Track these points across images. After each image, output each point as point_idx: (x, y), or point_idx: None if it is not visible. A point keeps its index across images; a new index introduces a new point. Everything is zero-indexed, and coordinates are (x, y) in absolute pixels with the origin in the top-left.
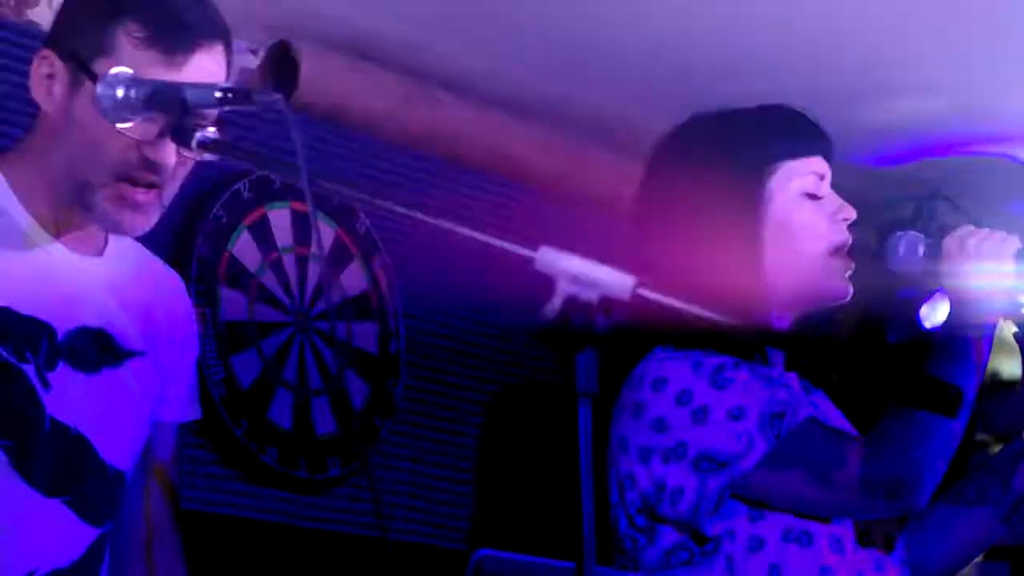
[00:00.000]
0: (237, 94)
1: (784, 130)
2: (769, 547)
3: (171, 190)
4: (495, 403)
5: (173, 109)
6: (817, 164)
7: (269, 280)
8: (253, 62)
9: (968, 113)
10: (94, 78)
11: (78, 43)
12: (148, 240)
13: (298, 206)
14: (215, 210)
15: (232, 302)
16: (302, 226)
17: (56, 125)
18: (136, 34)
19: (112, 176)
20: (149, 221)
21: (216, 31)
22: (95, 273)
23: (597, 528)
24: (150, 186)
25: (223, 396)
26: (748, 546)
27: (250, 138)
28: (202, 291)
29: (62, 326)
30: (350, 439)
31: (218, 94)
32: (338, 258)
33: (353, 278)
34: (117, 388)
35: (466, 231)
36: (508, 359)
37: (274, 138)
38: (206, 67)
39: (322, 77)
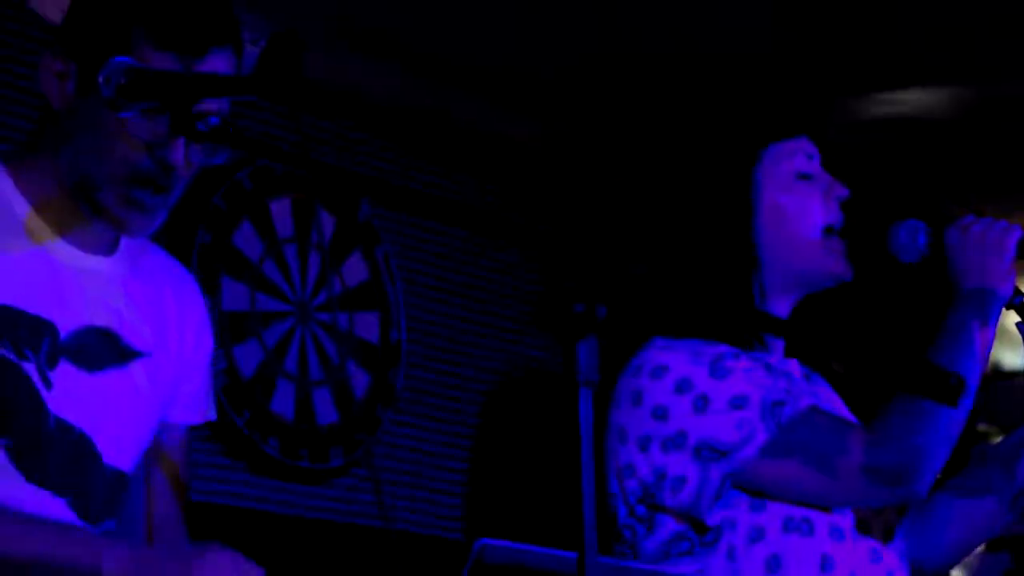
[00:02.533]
0: (239, 83)
1: (769, 114)
2: (770, 537)
3: (176, 194)
4: (496, 392)
5: (175, 98)
6: (804, 144)
7: (271, 270)
8: (254, 51)
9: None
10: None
11: (91, 43)
12: None
13: (299, 196)
14: (216, 200)
15: (234, 292)
16: (304, 216)
17: (65, 124)
18: (150, 36)
19: (120, 177)
20: (154, 223)
21: (228, 34)
22: (104, 272)
23: (597, 517)
24: (158, 189)
25: (225, 386)
26: (749, 536)
27: (252, 128)
28: (203, 281)
29: (66, 325)
30: (352, 429)
31: (220, 83)
32: (339, 248)
33: (354, 268)
34: (122, 388)
35: (467, 221)
36: (509, 348)
37: (276, 128)
38: (219, 67)
39: (326, 67)
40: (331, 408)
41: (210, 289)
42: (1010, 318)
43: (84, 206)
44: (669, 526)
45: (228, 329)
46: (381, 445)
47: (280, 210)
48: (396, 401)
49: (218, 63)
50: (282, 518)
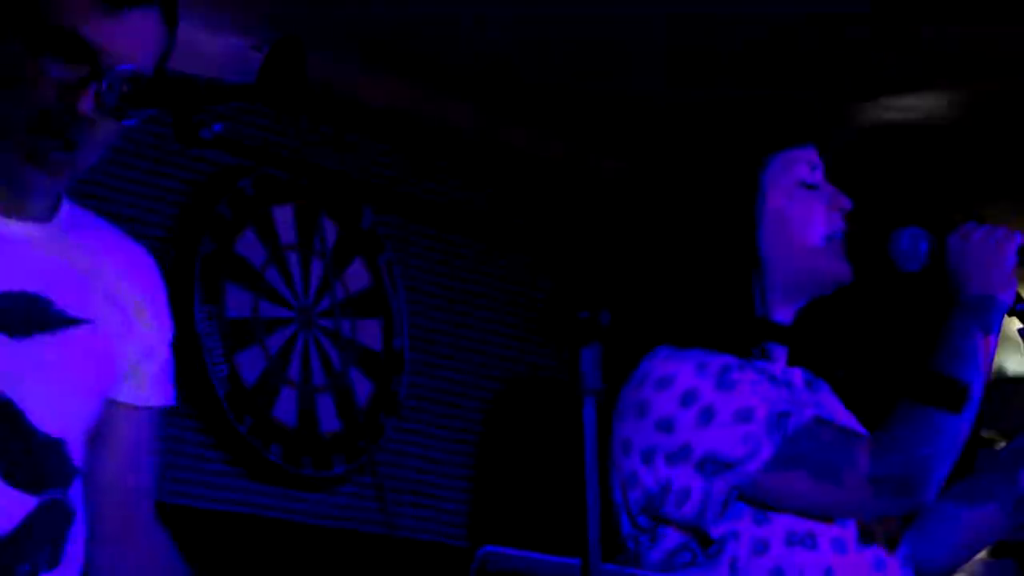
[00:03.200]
0: (243, 90)
1: (776, 122)
2: (773, 549)
3: (89, 153)
4: (499, 399)
5: (177, 104)
6: (810, 154)
7: (273, 277)
8: (258, 59)
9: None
10: (27, 15)
11: None
12: (152, 235)
13: (302, 203)
14: (220, 207)
15: (237, 299)
16: (307, 223)
17: None
18: None
19: (26, 124)
20: (59, 182)
21: None
22: (36, 238)
23: (601, 526)
24: (65, 142)
25: (227, 393)
26: (752, 548)
27: (255, 134)
28: (207, 288)
29: None
30: (355, 436)
31: (224, 89)
32: (342, 255)
33: (357, 275)
34: (52, 353)
35: (469, 228)
36: (512, 355)
37: (279, 135)
38: (140, 27)
39: (327, 74)
40: (334, 415)
41: (213, 296)
42: (1012, 324)
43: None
44: (672, 537)
45: (231, 336)
46: (384, 452)
47: (283, 217)
48: (399, 408)
49: (142, 22)
50: (285, 525)
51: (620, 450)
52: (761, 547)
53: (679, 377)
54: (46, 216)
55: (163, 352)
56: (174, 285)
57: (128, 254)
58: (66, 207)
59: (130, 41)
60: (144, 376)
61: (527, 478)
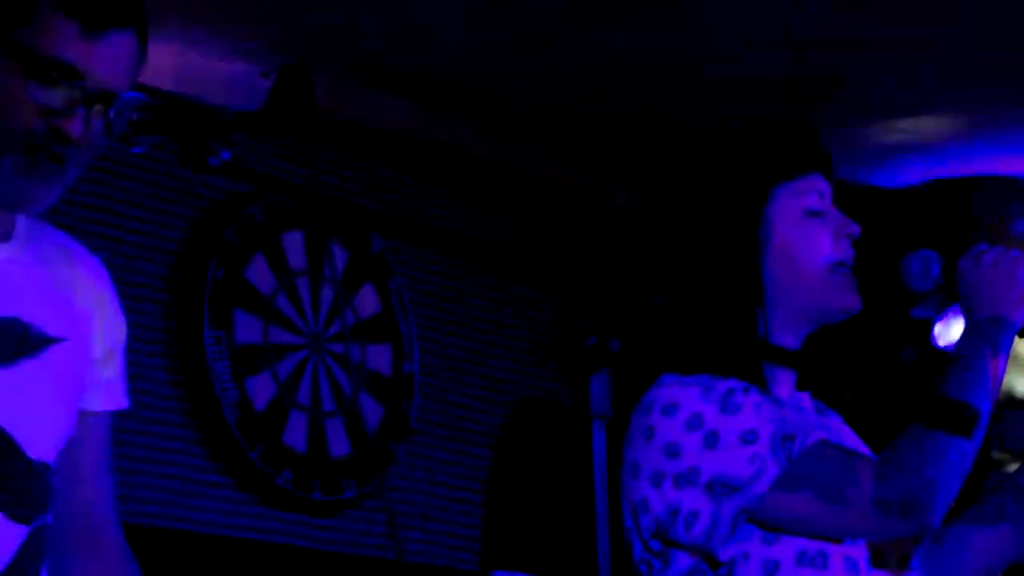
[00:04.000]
0: (251, 117)
1: (781, 151)
2: (784, 570)
3: (72, 171)
4: (509, 425)
5: (185, 132)
6: (817, 181)
7: (283, 303)
8: (266, 85)
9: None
10: (10, 41)
11: None
12: (161, 261)
13: (312, 229)
14: (228, 234)
15: (246, 325)
16: (316, 249)
17: None
18: (57, 4)
19: (17, 145)
20: (53, 195)
21: (130, 17)
22: (2, 260)
23: (612, 550)
24: (53, 157)
25: (238, 419)
26: (763, 569)
27: (264, 161)
28: (216, 315)
29: None
30: (365, 461)
31: (232, 116)
32: (351, 280)
33: (366, 300)
34: (37, 378)
35: (478, 254)
36: (521, 380)
37: (287, 161)
38: (116, 50)
39: (335, 100)
40: (344, 440)
41: (223, 322)
42: (1022, 346)
43: None
44: (683, 561)
45: (241, 362)
46: (394, 477)
47: (292, 243)
48: (409, 433)
49: (121, 45)
50: (294, 550)
51: (630, 475)
52: (772, 568)
53: (684, 402)
54: (6, 235)
55: (119, 356)
56: (183, 311)
57: (80, 260)
58: (20, 222)
59: (112, 63)
60: (103, 382)
61: (537, 502)
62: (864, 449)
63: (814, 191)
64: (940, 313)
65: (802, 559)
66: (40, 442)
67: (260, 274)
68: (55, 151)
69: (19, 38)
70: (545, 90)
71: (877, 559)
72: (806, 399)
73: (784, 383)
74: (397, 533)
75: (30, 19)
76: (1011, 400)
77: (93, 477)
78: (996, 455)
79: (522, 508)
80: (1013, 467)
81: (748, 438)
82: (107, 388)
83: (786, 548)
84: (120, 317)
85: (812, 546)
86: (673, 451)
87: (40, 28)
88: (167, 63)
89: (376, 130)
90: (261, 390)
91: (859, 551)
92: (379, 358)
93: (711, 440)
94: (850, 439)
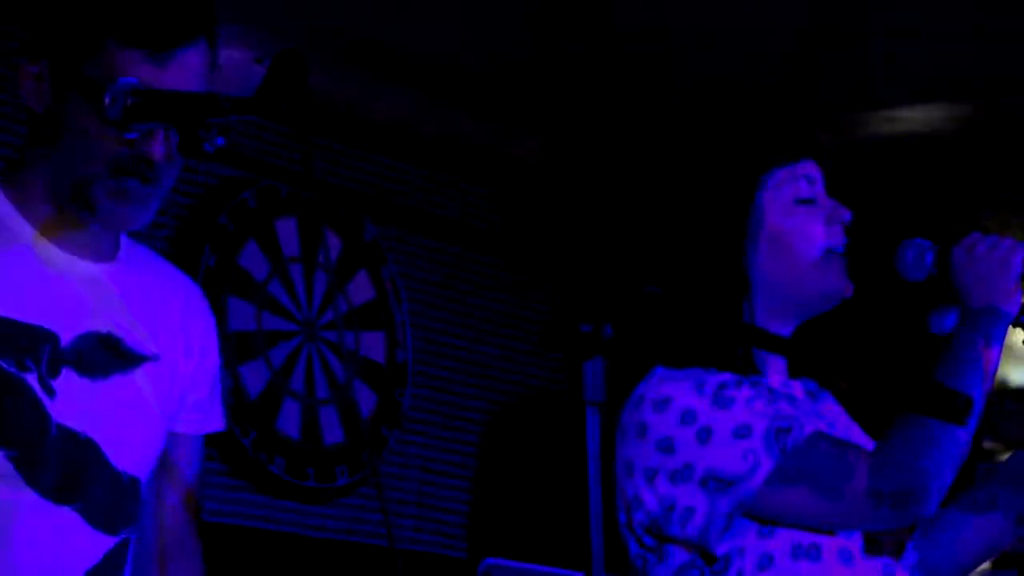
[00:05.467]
0: (245, 104)
1: (771, 139)
2: (779, 563)
3: (166, 185)
4: (502, 412)
5: (180, 118)
6: (807, 168)
7: (277, 290)
8: (260, 71)
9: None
10: (81, 78)
11: (63, 44)
12: (154, 247)
13: (305, 216)
14: (222, 220)
15: (240, 312)
16: (310, 236)
17: (48, 128)
18: (120, 34)
19: (107, 171)
20: (148, 214)
21: (198, 26)
22: (104, 278)
23: (604, 541)
24: (145, 179)
25: (231, 406)
26: (758, 563)
27: (258, 147)
28: (209, 301)
29: (66, 333)
30: (358, 448)
31: (226, 104)
32: (345, 267)
33: (360, 287)
34: (128, 393)
35: (472, 241)
36: (515, 368)
37: (281, 147)
38: (190, 62)
39: (330, 87)
40: (337, 427)
41: (216, 309)
42: (1016, 335)
43: (80, 211)
44: (679, 555)
45: (234, 349)
46: (387, 464)
47: (286, 230)
48: (402, 420)
49: (190, 59)
50: (288, 537)
51: (623, 471)
52: (766, 561)
53: (677, 397)
54: (111, 255)
55: (214, 380)
56: None
57: (180, 286)
58: (125, 244)
59: (182, 79)
60: (198, 404)
61: (529, 490)
62: (858, 432)
63: (803, 178)
64: (934, 302)
65: (797, 552)
66: (128, 456)
67: (254, 260)
68: (142, 174)
69: (89, 75)
70: (534, 76)
71: (872, 547)
72: (798, 387)
73: (776, 371)
74: (390, 520)
75: (95, 53)
76: (1005, 389)
77: (185, 495)
78: (988, 445)
79: (514, 496)
80: (1005, 456)
81: (741, 433)
82: (199, 409)
83: (781, 541)
84: (214, 341)
85: (806, 539)
86: (667, 446)
87: (107, 61)
88: None
89: (367, 114)
90: (254, 377)
91: (854, 542)
92: (373, 345)
93: (704, 435)
94: (843, 422)
